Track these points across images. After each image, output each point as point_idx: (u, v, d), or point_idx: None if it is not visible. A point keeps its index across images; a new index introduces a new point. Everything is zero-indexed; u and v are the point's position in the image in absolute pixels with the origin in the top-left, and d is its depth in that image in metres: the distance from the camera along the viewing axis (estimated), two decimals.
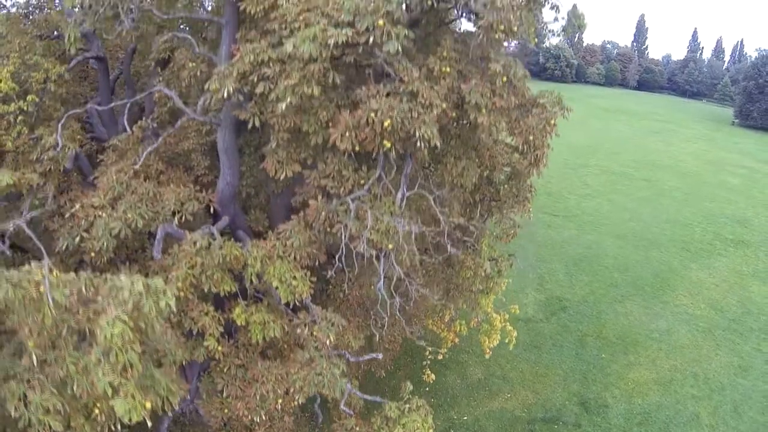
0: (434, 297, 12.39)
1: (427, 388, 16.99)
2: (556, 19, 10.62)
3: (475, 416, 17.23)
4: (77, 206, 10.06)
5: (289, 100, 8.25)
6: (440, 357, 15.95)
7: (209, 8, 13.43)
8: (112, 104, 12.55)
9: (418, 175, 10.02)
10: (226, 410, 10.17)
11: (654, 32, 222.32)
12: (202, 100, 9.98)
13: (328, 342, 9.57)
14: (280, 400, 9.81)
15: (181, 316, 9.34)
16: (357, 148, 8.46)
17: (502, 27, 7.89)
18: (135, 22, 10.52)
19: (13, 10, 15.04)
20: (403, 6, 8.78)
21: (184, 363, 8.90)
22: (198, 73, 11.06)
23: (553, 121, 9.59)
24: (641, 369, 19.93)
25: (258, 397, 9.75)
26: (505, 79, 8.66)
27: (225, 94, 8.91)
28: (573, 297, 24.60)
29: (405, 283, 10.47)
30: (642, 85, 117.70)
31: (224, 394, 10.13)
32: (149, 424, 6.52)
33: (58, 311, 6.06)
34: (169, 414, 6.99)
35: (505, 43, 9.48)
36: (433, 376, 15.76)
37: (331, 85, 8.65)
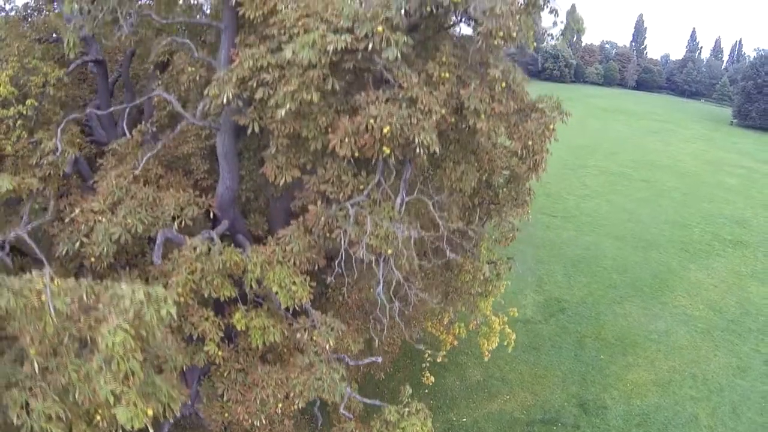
0: (433, 301, 12.42)
1: (426, 390, 17.02)
2: (555, 23, 10.63)
3: (474, 418, 17.28)
4: (77, 211, 10.08)
5: (288, 106, 8.27)
6: (439, 359, 15.99)
7: (207, 11, 13.43)
8: (111, 109, 12.54)
9: (417, 180, 10.06)
10: (226, 414, 10.21)
11: (652, 32, 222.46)
12: (202, 105, 10.00)
13: (327, 347, 9.61)
14: (280, 405, 9.86)
15: (181, 322, 9.36)
16: (356, 154, 8.49)
17: (501, 33, 7.92)
18: (134, 27, 10.56)
19: (12, 13, 15.05)
20: (402, 11, 8.80)
21: (184, 368, 8.92)
22: (197, 78, 11.06)
23: (552, 126, 9.62)
24: (640, 370, 19.98)
25: (258, 402, 9.79)
26: (504, 84, 8.69)
27: (224, 100, 8.94)
28: (572, 298, 24.65)
29: (404, 287, 10.50)
30: (640, 85, 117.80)
31: (224, 399, 10.18)
32: (150, 430, 6.56)
33: (59, 319, 6.09)
34: (170, 420, 7.01)
35: (504, 48, 9.49)
36: (432, 378, 15.82)
37: (330, 90, 8.67)
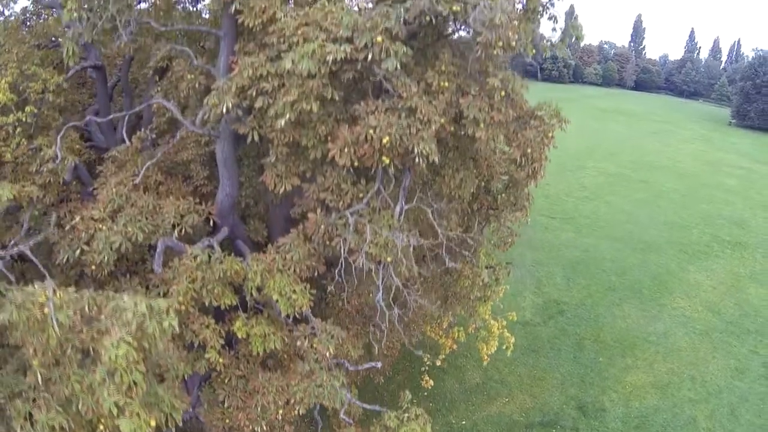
0: (432, 306, 12.47)
1: (426, 393, 17.08)
2: (554, 30, 10.66)
3: (473, 421, 17.34)
4: (77, 219, 10.11)
5: (288, 116, 8.31)
6: (438, 363, 16.04)
7: (206, 16, 13.44)
8: (111, 116, 12.57)
9: (416, 187, 10.10)
10: (227, 420, 10.25)
11: (651, 32, 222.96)
12: (201, 113, 10.03)
13: (328, 354, 9.65)
14: (280, 411, 9.91)
15: (182, 329, 9.38)
16: (356, 164, 8.53)
17: (500, 43, 7.96)
18: (133, 35, 10.57)
19: (11, 19, 15.03)
20: (402, 20, 8.83)
21: (186, 377, 8.97)
22: (196, 85, 11.11)
23: (551, 134, 9.67)
24: (639, 372, 20.05)
25: (259, 408, 9.84)
26: (503, 93, 8.73)
27: (224, 109, 8.97)
28: (571, 300, 24.70)
29: (403, 294, 10.55)
30: (639, 86, 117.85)
31: (225, 405, 10.21)
32: None
33: (62, 331, 6.13)
34: (173, 430, 7.07)
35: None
36: (431, 382, 15.87)
37: (330, 99, 8.71)
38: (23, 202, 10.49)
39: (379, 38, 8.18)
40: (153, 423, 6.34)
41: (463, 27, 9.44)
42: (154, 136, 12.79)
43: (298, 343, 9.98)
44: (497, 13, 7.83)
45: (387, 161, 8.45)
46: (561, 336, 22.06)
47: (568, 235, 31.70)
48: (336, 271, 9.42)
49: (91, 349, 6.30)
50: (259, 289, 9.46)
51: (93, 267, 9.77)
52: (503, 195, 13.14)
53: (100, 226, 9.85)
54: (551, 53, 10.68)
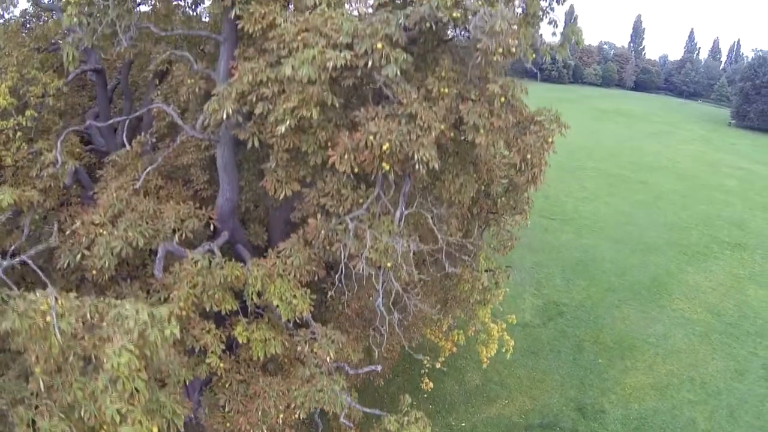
0: (432, 310, 12.50)
1: (425, 395, 17.12)
2: (554, 34, 10.67)
3: (473, 423, 17.38)
4: (78, 223, 10.13)
5: (288, 122, 8.34)
6: (438, 366, 16.07)
7: (206, 19, 13.45)
8: (111, 121, 12.60)
9: (416, 192, 10.12)
10: (228, 424, 10.28)
11: (651, 33, 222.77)
12: (201, 118, 10.05)
13: (328, 358, 9.68)
14: (281, 415, 9.94)
15: (183, 335, 9.40)
16: (356, 170, 8.55)
17: (500, 50, 7.98)
18: (133, 39, 10.59)
19: (11, 22, 15.03)
20: (402, 26, 8.85)
21: (186, 382, 9.00)
22: (196, 89, 11.12)
23: (550, 139, 9.68)
24: (638, 374, 20.10)
25: (260, 412, 9.87)
26: (503, 99, 8.75)
27: (224, 115, 8.99)
28: (570, 302, 24.75)
29: (403, 298, 10.58)
30: (639, 86, 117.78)
31: (226, 409, 10.25)
32: None
33: (64, 338, 6.15)
34: None
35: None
36: (431, 384, 15.90)
37: (330, 105, 8.73)
38: (23, 207, 10.49)
39: (380, 44, 8.20)
40: (155, 430, 6.37)
41: (463, 32, 9.45)
42: (154, 140, 12.82)
43: (299, 347, 10.01)
44: (497, 20, 7.85)
45: (387, 167, 8.48)
46: (560, 338, 22.11)
47: (567, 237, 31.75)
48: (336, 275, 9.45)
49: (93, 356, 6.32)
50: (259, 294, 9.49)
51: (94, 272, 9.78)
52: (503, 199, 13.17)
53: (101, 230, 9.87)
54: (551, 56, 10.68)
